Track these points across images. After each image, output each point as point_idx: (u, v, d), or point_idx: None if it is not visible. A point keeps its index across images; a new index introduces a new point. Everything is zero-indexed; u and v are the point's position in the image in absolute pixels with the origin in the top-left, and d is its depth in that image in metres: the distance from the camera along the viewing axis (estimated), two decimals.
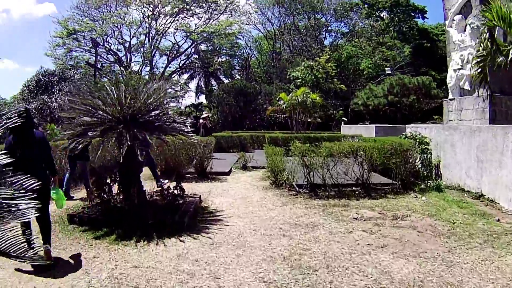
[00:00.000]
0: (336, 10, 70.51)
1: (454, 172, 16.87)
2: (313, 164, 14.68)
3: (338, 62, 59.01)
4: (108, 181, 11.96)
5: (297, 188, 15.15)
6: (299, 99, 35.75)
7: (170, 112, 12.26)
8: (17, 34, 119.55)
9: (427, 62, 66.08)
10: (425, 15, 72.98)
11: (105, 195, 11.66)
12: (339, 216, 11.65)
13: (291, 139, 26.85)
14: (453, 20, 24.90)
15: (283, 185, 16.15)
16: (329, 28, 74.56)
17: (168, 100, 13.08)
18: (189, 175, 18.87)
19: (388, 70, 57.08)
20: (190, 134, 12.08)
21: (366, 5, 72.60)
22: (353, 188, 15.09)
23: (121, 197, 11.68)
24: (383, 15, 73.20)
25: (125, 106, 10.97)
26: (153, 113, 11.58)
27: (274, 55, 72.21)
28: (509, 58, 17.17)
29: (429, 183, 16.09)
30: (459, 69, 24.64)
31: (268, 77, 70.17)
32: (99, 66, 56.62)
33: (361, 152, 14.93)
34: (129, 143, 9.93)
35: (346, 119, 46.80)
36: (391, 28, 70.54)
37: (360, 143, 15.99)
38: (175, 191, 12.68)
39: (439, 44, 70.04)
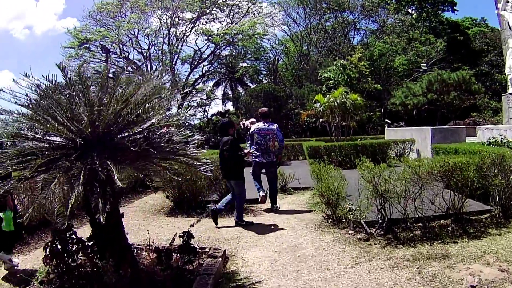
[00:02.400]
0: (364, 6, 66.69)
1: None
2: (390, 191, 10.04)
3: (371, 60, 55.23)
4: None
5: (368, 229, 10.30)
6: (338, 101, 30.93)
7: (172, 129, 7.75)
8: (40, 50, 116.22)
9: (461, 56, 63.41)
10: (454, 7, 70.72)
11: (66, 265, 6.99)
12: (447, 282, 7.30)
13: (335, 149, 24.03)
14: (507, 2, 22.75)
15: (344, 220, 11.27)
16: (357, 26, 71.34)
17: (165, 104, 7.78)
18: (211, 204, 13.65)
19: (424, 67, 54.01)
20: (199, 163, 7.26)
21: (393, 0, 70.18)
22: (442, 221, 10.86)
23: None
24: (411, 10, 71.30)
25: (91, 119, 6.13)
26: (138, 129, 7.04)
27: (301, 56, 68.09)
28: None
29: None
30: None
31: (297, 80, 66.17)
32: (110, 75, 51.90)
33: (458, 172, 10.49)
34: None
35: (389, 121, 42.04)
36: (419, 24, 67.75)
37: (454, 158, 11.09)
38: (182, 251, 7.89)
39: (471, 37, 68.82)
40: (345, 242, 9.73)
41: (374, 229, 10.20)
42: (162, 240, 10.12)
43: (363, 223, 10.42)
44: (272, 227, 11.52)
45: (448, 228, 10.30)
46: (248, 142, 14.40)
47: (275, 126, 13.71)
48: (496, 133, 17.42)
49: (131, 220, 12.71)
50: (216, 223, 11.86)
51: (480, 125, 22.31)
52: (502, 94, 24.54)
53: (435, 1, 68.08)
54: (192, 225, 8.77)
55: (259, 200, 13.62)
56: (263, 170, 14.09)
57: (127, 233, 7.60)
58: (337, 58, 54.90)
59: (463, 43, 66.76)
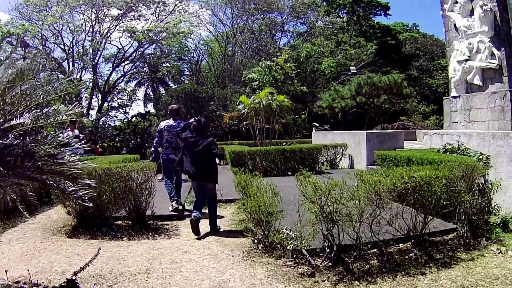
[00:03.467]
0: (294, 7, 66.27)
1: None
2: (340, 213, 8.21)
3: (297, 62, 54.16)
4: None
5: (311, 260, 8.24)
6: (264, 102, 28.81)
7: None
8: None
9: (391, 60, 64.45)
10: (387, 11, 71.16)
11: None
12: None
13: (260, 154, 22.46)
14: (456, 3, 22.26)
15: (278, 246, 9.19)
16: (285, 28, 71.25)
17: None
18: (120, 222, 12.13)
19: (353, 69, 53.37)
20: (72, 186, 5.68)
21: (324, 2, 70.26)
22: (401, 245, 9.27)
23: None
24: (342, 14, 71.18)
25: None
26: None
27: (226, 57, 67.05)
28: None
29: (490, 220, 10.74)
30: (466, 60, 21.55)
31: (220, 81, 65.05)
32: None
33: (425, 188, 8.95)
34: None
35: (317, 124, 40.52)
36: (350, 27, 67.96)
37: (420, 171, 9.36)
38: None
39: (403, 42, 70.25)
40: (284, 279, 7.67)
41: (320, 260, 8.28)
42: (56, 273, 8.06)
43: (305, 252, 8.46)
44: (191, 255, 9.36)
45: (410, 254, 8.78)
46: (155, 140, 14.13)
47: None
48: (449, 138, 16.29)
49: (27, 243, 10.55)
50: (198, 234, 10.80)
51: (427, 130, 21.49)
52: (444, 98, 24.24)
53: (368, 5, 68.31)
54: (89, 262, 7.29)
55: (171, 208, 12.95)
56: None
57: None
58: (262, 59, 53.69)
59: (394, 47, 67.60)
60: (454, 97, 22.40)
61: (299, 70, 52.59)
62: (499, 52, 20.09)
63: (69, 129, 20.88)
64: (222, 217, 12.85)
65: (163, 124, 13.90)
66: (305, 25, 70.73)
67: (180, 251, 9.58)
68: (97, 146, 28.75)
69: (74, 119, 22.73)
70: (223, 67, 66.35)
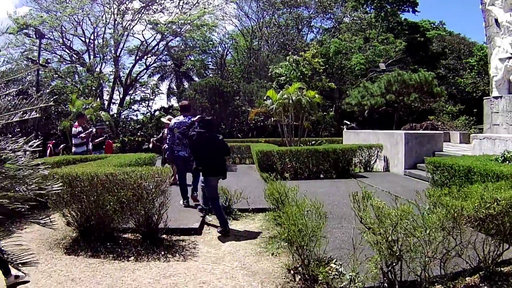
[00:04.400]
0: (321, 1, 64.92)
1: None
2: (407, 245, 6.44)
3: (326, 57, 52.43)
4: None
5: None
6: (293, 98, 26.83)
7: None
8: None
9: (419, 58, 62.93)
10: (416, 8, 68.97)
11: None
12: None
13: (290, 154, 20.31)
14: None
15: (322, 280, 7.02)
16: (312, 23, 70.02)
17: None
18: (128, 235, 10.23)
19: (382, 66, 52.09)
20: None
21: None
22: (468, 279, 7.33)
23: None
24: (369, 9, 69.21)
25: None
26: None
27: (251, 51, 65.50)
28: None
29: None
30: (509, 58, 20.34)
31: (246, 76, 63.08)
32: (41, 61, 47.11)
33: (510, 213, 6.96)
34: None
35: (349, 122, 38.88)
36: (377, 23, 65.84)
37: (500, 191, 7.27)
38: None
39: (431, 39, 68.36)
40: None
41: None
42: None
43: None
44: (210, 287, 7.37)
45: None
46: (168, 137, 13.75)
47: (196, 119, 12.15)
48: (503, 144, 14.76)
49: None
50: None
51: (477, 133, 19.56)
52: (484, 98, 22.64)
53: (396, 0, 66.68)
54: None
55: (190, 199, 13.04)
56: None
57: None
58: (290, 53, 51.65)
59: (422, 45, 65.71)
60: (496, 98, 21.15)
61: (327, 66, 51.10)
62: None
63: (76, 123, 19.32)
64: (248, 234, 10.85)
65: (173, 121, 13.51)
66: (332, 21, 69.43)
67: (197, 281, 7.53)
68: (111, 142, 26.98)
69: (81, 113, 21.17)
70: (248, 61, 64.79)
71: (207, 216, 11.94)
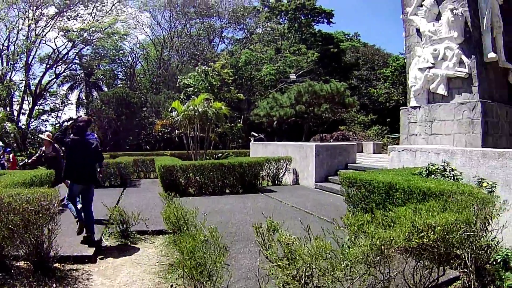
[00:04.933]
0: (235, 11, 65.05)
1: None
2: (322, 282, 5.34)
3: (235, 68, 52.63)
4: None
5: None
6: (199, 109, 25.61)
7: None
8: None
9: (331, 69, 63.93)
10: (331, 19, 70.36)
11: None
12: None
13: (194, 169, 18.98)
14: (420, 6, 21.86)
15: None
16: (224, 33, 70.26)
17: None
18: (21, 263, 8.70)
19: (292, 77, 52.00)
20: None
21: (266, 8, 68.78)
22: None
23: None
24: (283, 20, 69.87)
25: None
26: None
27: (161, 61, 64.57)
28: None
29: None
30: (430, 67, 20.86)
31: (155, 86, 62.32)
32: None
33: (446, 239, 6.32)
34: None
35: (257, 134, 38.04)
36: (290, 34, 66.65)
37: (433, 213, 6.85)
38: None
39: (344, 51, 69.87)
40: None
41: None
42: None
43: None
44: None
45: None
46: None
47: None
48: (425, 156, 13.43)
49: None
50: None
51: (392, 144, 18.86)
52: (401, 108, 23.31)
53: (311, 12, 67.29)
54: None
55: (78, 229, 10.52)
56: None
57: None
58: (199, 64, 51.26)
59: (335, 56, 66.58)
60: (414, 108, 21.83)
61: (236, 77, 50.89)
62: (468, 60, 19.51)
63: None
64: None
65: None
66: (244, 31, 69.74)
67: None
68: (14, 156, 25.29)
69: None
70: (158, 71, 63.89)
71: (103, 240, 10.66)
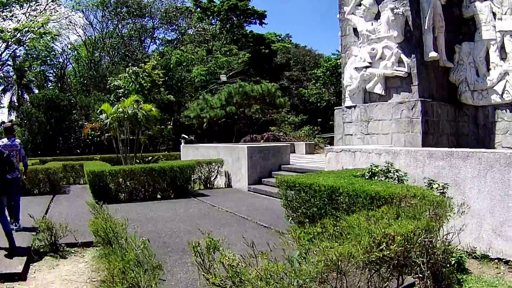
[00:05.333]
0: (167, 11, 64.58)
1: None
2: None
3: (166, 69, 51.15)
4: None
5: None
6: (129, 111, 24.55)
7: None
8: None
9: (262, 70, 63.96)
10: (263, 20, 70.97)
11: None
12: None
13: (125, 174, 17.92)
14: (359, 5, 21.34)
15: None
16: (155, 35, 69.74)
17: None
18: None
19: (223, 78, 51.88)
20: None
21: (198, 9, 68.60)
22: None
23: None
24: (215, 21, 69.80)
25: None
26: None
27: (92, 63, 62.85)
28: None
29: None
30: (366, 67, 20.51)
31: (85, 88, 60.48)
32: None
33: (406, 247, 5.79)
34: None
35: (187, 136, 37.12)
36: (222, 35, 66.42)
37: (394, 225, 5.83)
38: None
39: (276, 52, 70.21)
40: None
41: None
42: None
43: None
44: None
45: None
46: None
47: (18, 142, 12.62)
48: (365, 157, 12.80)
49: None
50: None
51: (328, 145, 18.15)
52: (335, 108, 22.75)
53: (244, 13, 67.51)
54: None
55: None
56: None
57: None
58: (130, 65, 50.60)
59: (267, 56, 66.67)
60: (349, 107, 21.49)
61: (166, 78, 49.67)
62: (408, 59, 19.30)
63: None
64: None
65: None
66: (176, 32, 69.48)
67: None
68: None
69: None
70: (88, 73, 62.26)
71: (32, 254, 9.53)
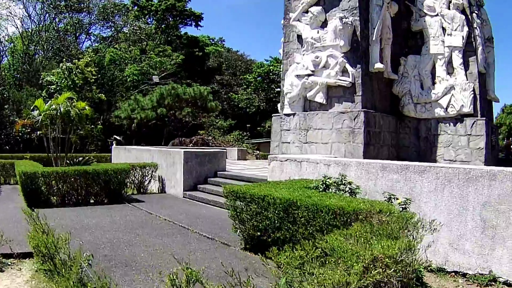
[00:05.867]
0: (105, 6, 62.58)
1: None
2: None
3: (99, 66, 49.93)
4: None
5: None
6: (62, 109, 23.62)
7: None
8: None
9: (195, 72, 64.14)
10: (199, 22, 71.36)
11: None
12: None
13: (57, 177, 16.53)
14: (306, 12, 21.05)
15: None
16: (90, 30, 67.64)
17: None
18: None
19: (155, 79, 51.94)
20: None
21: (136, 7, 68.02)
22: None
23: None
24: (151, 21, 69.50)
25: None
26: None
27: (26, 56, 60.17)
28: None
29: None
30: (309, 75, 20.23)
31: (18, 83, 57.76)
32: None
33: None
34: None
35: (119, 138, 36.52)
36: (156, 35, 65.80)
37: (375, 246, 5.39)
38: None
39: (209, 55, 70.82)
40: None
41: None
42: None
43: None
44: None
45: None
46: None
47: None
48: (312, 167, 12.32)
49: None
50: None
51: (277, 154, 17.18)
52: (273, 115, 22.31)
53: (181, 14, 67.36)
54: None
55: None
56: None
57: None
58: (64, 60, 47.81)
59: (200, 59, 66.63)
60: (288, 115, 21.17)
61: (99, 76, 48.31)
62: (353, 69, 19.20)
63: None
64: None
65: None
66: (111, 29, 67.80)
67: None
68: None
69: None
70: (22, 67, 59.81)
71: None
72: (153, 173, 20.67)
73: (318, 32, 20.02)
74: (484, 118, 20.94)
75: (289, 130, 20.69)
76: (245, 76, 68.33)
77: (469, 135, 20.51)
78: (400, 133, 22.23)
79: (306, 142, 19.97)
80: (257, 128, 63.57)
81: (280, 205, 8.85)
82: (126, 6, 66.53)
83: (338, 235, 5.93)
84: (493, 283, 8.44)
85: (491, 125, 22.69)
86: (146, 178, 20.59)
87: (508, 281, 8.43)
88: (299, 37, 21.07)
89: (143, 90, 50.94)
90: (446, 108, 20.34)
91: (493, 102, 24.46)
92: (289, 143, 20.71)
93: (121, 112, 42.94)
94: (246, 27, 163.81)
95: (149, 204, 16.48)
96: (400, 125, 22.29)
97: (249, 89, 65.71)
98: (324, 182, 9.76)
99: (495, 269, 8.56)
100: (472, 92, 20.65)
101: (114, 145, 32.89)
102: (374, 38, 19.81)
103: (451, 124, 20.59)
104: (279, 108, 22.92)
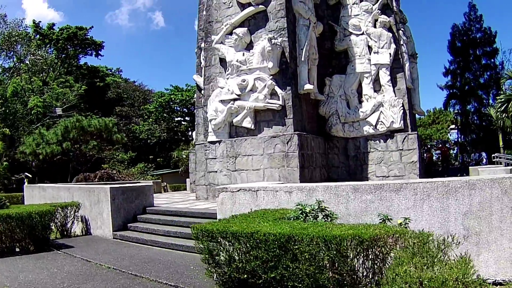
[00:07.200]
0: (10, 35, 59.42)
1: None
2: None
3: (2, 99, 47.91)
4: None
5: None
6: None
7: None
8: None
9: (97, 104, 63.71)
10: (99, 51, 70.41)
11: None
12: None
13: None
14: (230, 34, 20.94)
15: None
16: None
17: None
18: None
19: (58, 111, 50.29)
20: None
21: (38, 35, 65.65)
22: None
23: None
24: (51, 51, 66.98)
25: None
26: None
27: None
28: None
29: None
30: (234, 99, 19.96)
31: None
32: None
33: None
34: None
35: (30, 176, 34.75)
36: (57, 66, 63.97)
37: None
38: None
39: (109, 85, 70.78)
40: None
41: None
42: None
43: None
44: None
45: None
46: None
47: None
48: (273, 196, 11.39)
49: None
50: None
51: (225, 185, 15.52)
52: (196, 143, 22.70)
53: (82, 42, 66.51)
54: None
55: None
56: None
57: None
58: None
59: (101, 90, 66.22)
60: (213, 143, 20.62)
61: (2, 109, 46.58)
62: (283, 92, 18.99)
63: None
64: None
65: None
66: (13, 59, 64.04)
67: None
68: None
69: None
70: None
71: None
72: (75, 213, 18.30)
73: (243, 55, 19.69)
74: (416, 132, 21.64)
75: (215, 158, 20.17)
76: (145, 107, 67.98)
77: (401, 150, 20.98)
78: (329, 153, 22.36)
79: (235, 170, 19.44)
80: (157, 159, 62.95)
81: (275, 242, 7.82)
82: (29, 35, 63.62)
83: (407, 266, 5.76)
84: (482, 286, 8.33)
85: (420, 139, 23.12)
86: (69, 220, 18.19)
87: (496, 280, 8.80)
88: (222, 60, 20.72)
89: (46, 124, 48.92)
90: (376, 126, 20.40)
91: (416, 116, 25.50)
92: (216, 172, 20.11)
93: (26, 148, 40.12)
94: (143, 57, 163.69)
95: (80, 250, 14.62)
96: (328, 145, 22.41)
97: (150, 119, 65.06)
98: (303, 210, 8.93)
99: (482, 272, 8.62)
100: (402, 107, 21.18)
101: (26, 183, 30.43)
102: (302, 59, 19.67)
103: (381, 141, 20.74)
104: (194, 136, 23.42)
